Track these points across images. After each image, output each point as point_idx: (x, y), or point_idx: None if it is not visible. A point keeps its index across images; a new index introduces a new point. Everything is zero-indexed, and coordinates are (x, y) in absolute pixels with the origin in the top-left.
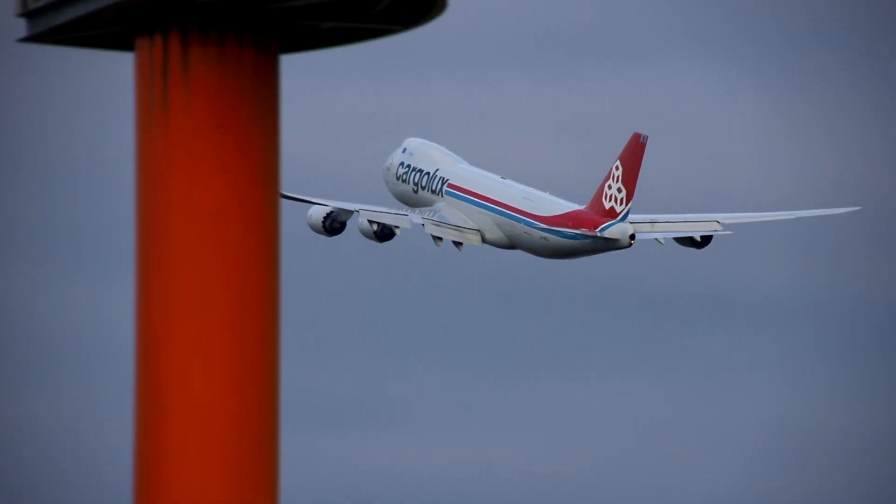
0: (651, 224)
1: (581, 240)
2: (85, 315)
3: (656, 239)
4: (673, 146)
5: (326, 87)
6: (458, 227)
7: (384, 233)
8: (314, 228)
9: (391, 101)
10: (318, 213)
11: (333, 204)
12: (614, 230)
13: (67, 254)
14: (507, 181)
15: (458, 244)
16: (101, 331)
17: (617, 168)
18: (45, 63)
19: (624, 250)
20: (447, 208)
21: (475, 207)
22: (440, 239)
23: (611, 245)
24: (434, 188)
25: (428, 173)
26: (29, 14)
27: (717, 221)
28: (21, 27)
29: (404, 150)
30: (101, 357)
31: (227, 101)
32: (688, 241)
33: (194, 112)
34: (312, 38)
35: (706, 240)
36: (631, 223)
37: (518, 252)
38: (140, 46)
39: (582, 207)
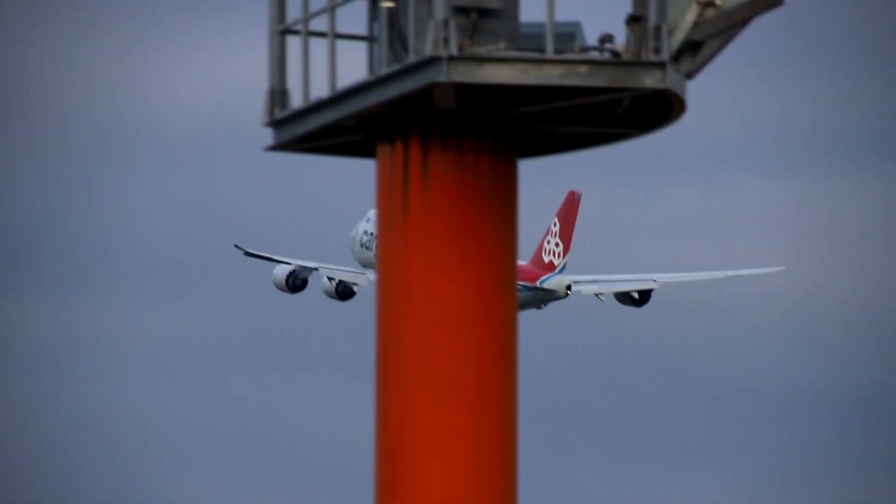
0: (593, 282)
1: (522, 292)
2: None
3: (597, 295)
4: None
5: (563, 190)
6: None
7: (345, 291)
8: (278, 286)
9: (628, 203)
10: (281, 271)
11: (295, 262)
12: (552, 282)
13: (320, 362)
14: None
15: None
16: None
17: (555, 224)
18: (291, 169)
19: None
20: None
21: None
22: None
23: (549, 296)
24: None
25: None
26: (275, 124)
27: (654, 280)
28: (268, 136)
29: (368, 220)
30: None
31: (466, 206)
32: (627, 299)
33: (433, 218)
34: (550, 142)
35: (644, 297)
36: (573, 281)
37: None
38: (381, 153)
39: (524, 263)
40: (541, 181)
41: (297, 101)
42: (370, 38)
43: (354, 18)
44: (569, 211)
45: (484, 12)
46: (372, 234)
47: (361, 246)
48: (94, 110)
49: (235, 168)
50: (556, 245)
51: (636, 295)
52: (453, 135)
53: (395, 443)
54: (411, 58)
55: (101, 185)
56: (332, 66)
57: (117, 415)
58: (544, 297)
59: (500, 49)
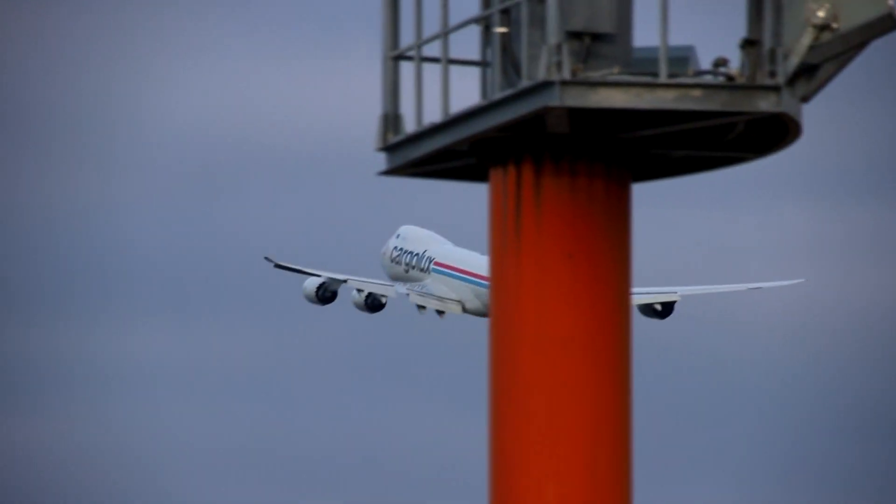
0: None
1: None
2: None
3: None
4: None
5: (680, 214)
6: (440, 298)
7: (374, 303)
8: (308, 298)
9: (743, 227)
10: (311, 283)
11: (325, 274)
12: None
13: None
14: (486, 257)
15: (440, 313)
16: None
17: None
18: (403, 194)
19: None
20: (433, 283)
21: (458, 281)
22: (423, 308)
23: None
24: (423, 266)
25: (417, 254)
26: (388, 148)
27: (676, 293)
28: (381, 161)
29: (398, 236)
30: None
31: (579, 230)
32: (650, 311)
33: (546, 241)
34: (664, 166)
35: (668, 309)
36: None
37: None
38: (494, 177)
39: None
40: (655, 204)
41: (410, 125)
42: (483, 64)
43: (467, 44)
44: None
45: (597, 37)
46: (401, 249)
47: (391, 261)
48: (209, 137)
49: (348, 192)
50: None
51: (659, 307)
52: (566, 159)
53: (510, 468)
54: (524, 82)
55: (219, 212)
56: (445, 90)
57: (198, 433)
58: None
59: (614, 73)
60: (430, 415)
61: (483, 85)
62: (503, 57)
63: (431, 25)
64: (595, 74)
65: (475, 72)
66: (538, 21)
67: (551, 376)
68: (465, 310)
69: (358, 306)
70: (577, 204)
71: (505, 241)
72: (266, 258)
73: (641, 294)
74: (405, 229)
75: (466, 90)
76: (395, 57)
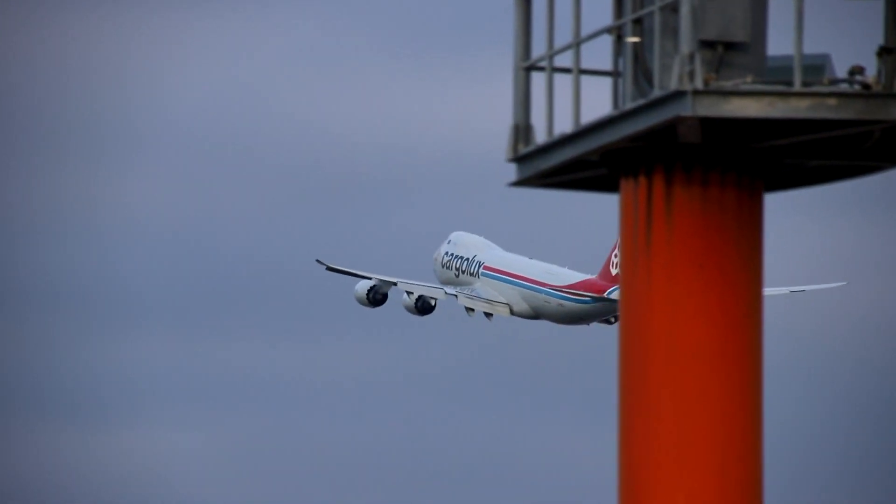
0: None
1: (590, 303)
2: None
3: None
4: None
5: (814, 223)
6: (488, 301)
7: (424, 306)
8: (359, 300)
9: (879, 238)
10: (363, 286)
11: (375, 277)
12: (617, 293)
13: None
14: (534, 261)
15: (488, 315)
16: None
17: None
18: (533, 204)
19: None
20: (482, 287)
21: (505, 284)
22: (472, 310)
23: (616, 307)
24: (472, 271)
25: (467, 259)
26: (518, 159)
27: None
28: (511, 172)
29: (449, 242)
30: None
31: (710, 240)
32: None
33: (677, 251)
34: (798, 175)
35: None
36: None
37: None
38: (624, 187)
39: (593, 276)
40: (788, 213)
41: (540, 136)
42: (615, 74)
43: (598, 54)
44: None
45: (730, 45)
46: (452, 254)
47: (443, 266)
48: (354, 146)
49: (478, 203)
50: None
51: None
52: (697, 168)
53: (639, 477)
54: (656, 92)
55: (379, 222)
56: (577, 101)
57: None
58: (611, 309)
59: (747, 82)
60: (559, 424)
61: (614, 95)
62: (635, 67)
63: (563, 35)
64: (727, 83)
65: (606, 82)
66: (671, 30)
67: (681, 386)
68: (512, 312)
69: (408, 309)
70: (708, 214)
71: (636, 251)
72: (318, 261)
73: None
74: (456, 235)
75: (597, 100)
76: (527, 68)
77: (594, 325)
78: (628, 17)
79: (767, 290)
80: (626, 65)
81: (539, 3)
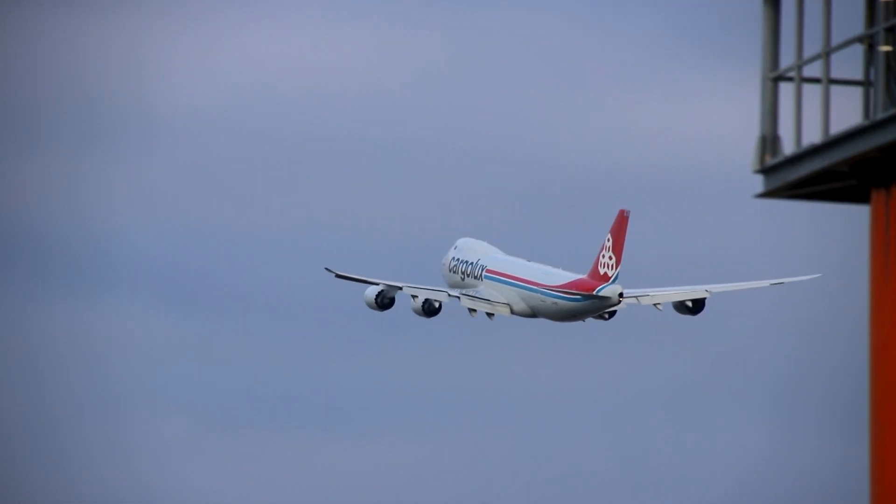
0: (645, 295)
1: (581, 301)
2: None
3: (655, 305)
4: None
5: None
6: (489, 301)
7: (430, 308)
8: (369, 305)
9: None
10: (371, 291)
11: (382, 282)
12: (607, 290)
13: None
14: (532, 263)
15: (490, 315)
16: None
17: (608, 240)
18: (778, 217)
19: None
20: (485, 288)
21: (506, 286)
22: (474, 311)
23: (605, 303)
24: (476, 274)
25: (472, 263)
26: (766, 171)
27: (706, 290)
28: (758, 183)
29: (455, 248)
30: None
31: None
32: (683, 308)
33: None
34: None
35: (698, 306)
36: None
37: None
38: (875, 198)
39: (584, 276)
40: None
41: (788, 147)
42: (866, 83)
43: (848, 63)
44: (619, 228)
45: None
46: (458, 259)
47: (450, 270)
48: (612, 171)
49: (720, 216)
50: (610, 258)
51: (690, 304)
52: None
53: (892, 489)
54: None
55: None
56: (826, 111)
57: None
58: (601, 305)
59: None
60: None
61: (865, 104)
62: (887, 76)
63: (812, 45)
64: None
65: (855, 91)
66: None
67: None
68: (512, 311)
69: (416, 312)
70: None
71: (887, 263)
72: (327, 269)
73: (672, 292)
74: (462, 241)
75: (846, 110)
76: (775, 78)
77: (588, 321)
78: (881, 25)
79: (752, 283)
80: (878, 74)
81: (788, 12)
